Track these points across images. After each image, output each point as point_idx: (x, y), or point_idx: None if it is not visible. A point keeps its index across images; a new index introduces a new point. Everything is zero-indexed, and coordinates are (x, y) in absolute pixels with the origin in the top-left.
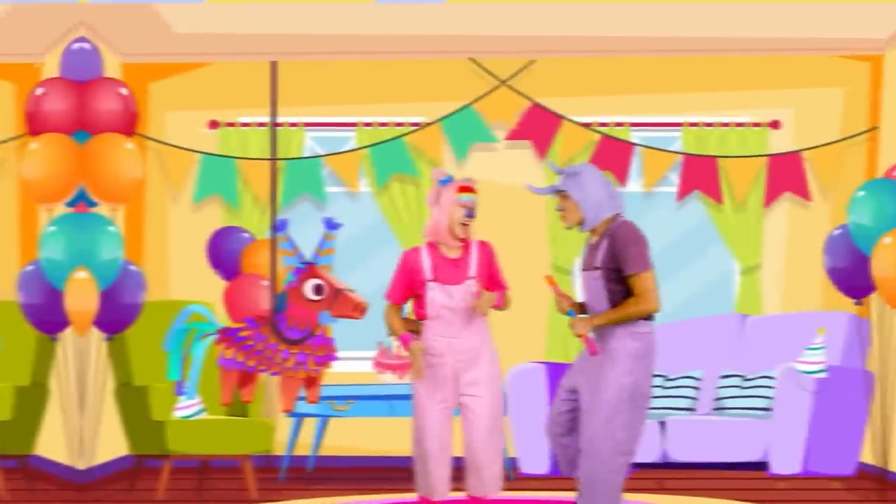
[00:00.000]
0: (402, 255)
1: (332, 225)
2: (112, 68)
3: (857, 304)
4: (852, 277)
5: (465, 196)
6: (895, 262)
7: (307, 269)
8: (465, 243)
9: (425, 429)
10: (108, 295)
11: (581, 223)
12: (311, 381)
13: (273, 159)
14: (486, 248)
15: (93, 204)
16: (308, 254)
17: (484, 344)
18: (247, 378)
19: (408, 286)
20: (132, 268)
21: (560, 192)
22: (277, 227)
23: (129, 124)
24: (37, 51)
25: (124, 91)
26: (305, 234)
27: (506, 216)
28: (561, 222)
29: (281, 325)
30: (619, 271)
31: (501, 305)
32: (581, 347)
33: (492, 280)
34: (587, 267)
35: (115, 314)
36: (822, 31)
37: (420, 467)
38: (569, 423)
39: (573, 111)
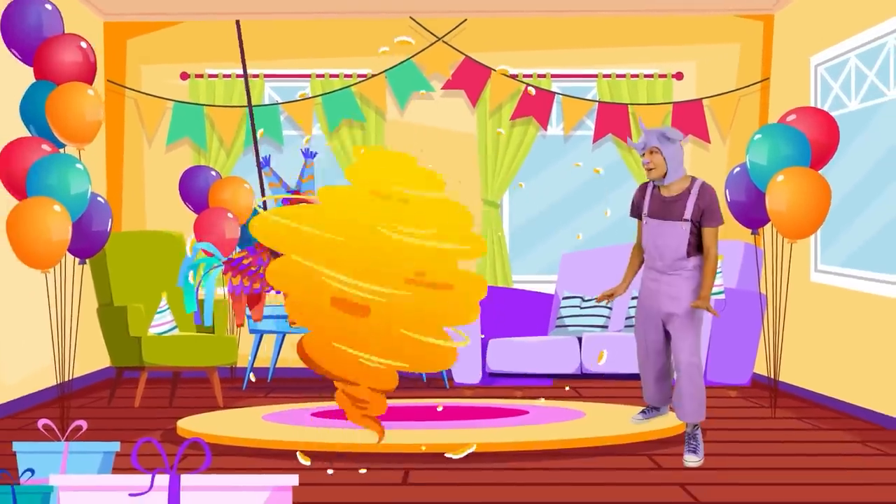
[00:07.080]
0: None
1: (309, 154)
2: (94, 26)
3: (753, 234)
4: (750, 210)
5: None
6: (787, 197)
7: (294, 196)
8: None
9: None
10: (78, 225)
11: (664, 177)
12: (254, 300)
13: (244, 106)
14: None
15: (60, 145)
16: (292, 182)
17: None
18: (254, 299)
19: None
20: (99, 200)
21: (653, 148)
22: (263, 162)
23: (89, 73)
24: None
25: (84, 45)
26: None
27: (442, 157)
28: (647, 174)
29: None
30: (699, 223)
31: None
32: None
33: None
34: (672, 216)
35: (87, 241)
36: None
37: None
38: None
39: (501, 64)
